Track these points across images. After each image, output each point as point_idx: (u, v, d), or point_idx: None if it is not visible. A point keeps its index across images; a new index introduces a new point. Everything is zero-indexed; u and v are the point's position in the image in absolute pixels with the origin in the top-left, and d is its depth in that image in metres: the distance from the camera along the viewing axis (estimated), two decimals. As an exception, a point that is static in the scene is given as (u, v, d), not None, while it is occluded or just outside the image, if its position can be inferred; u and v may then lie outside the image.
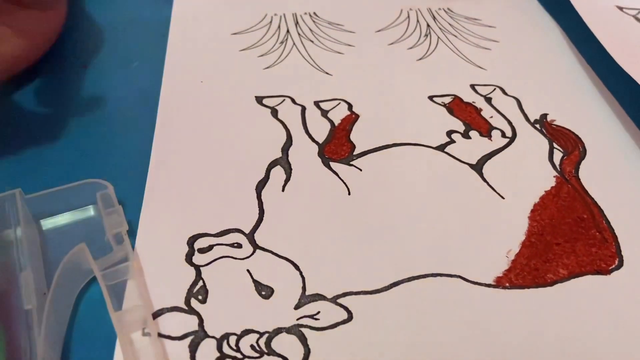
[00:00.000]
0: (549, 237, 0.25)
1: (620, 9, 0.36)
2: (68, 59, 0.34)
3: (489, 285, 0.23)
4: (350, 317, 0.22)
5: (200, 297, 0.22)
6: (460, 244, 0.24)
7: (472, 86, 0.32)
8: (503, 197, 0.26)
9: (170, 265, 0.23)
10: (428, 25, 0.38)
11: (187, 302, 0.21)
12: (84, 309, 0.22)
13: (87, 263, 0.22)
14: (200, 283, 0.22)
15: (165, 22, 0.37)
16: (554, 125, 0.30)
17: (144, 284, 0.22)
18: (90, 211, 0.25)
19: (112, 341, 0.20)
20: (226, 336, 0.21)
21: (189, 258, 0.23)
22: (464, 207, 0.26)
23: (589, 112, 0.31)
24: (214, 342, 0.20)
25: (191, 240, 0.24)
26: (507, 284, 0.23)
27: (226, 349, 0.20)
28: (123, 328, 0.20)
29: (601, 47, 0.32)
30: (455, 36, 0.37)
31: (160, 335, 0.20)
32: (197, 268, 0.23)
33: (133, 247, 0.23)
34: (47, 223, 0.24)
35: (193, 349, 0.20)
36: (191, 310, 0.21)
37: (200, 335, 0.21)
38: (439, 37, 0.36)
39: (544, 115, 0.31)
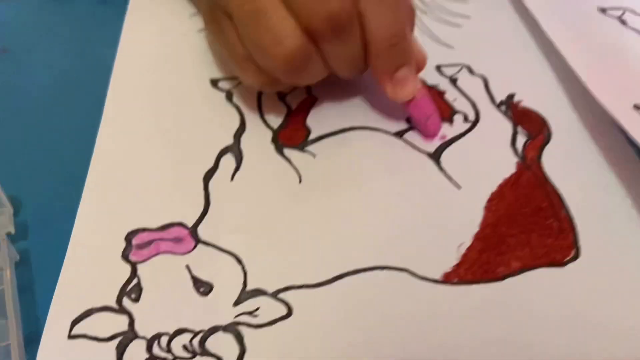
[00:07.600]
0: (504, 228, 0.24)
1: (603, 10, 0.33)
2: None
3: (436, 281, 0.22)
4: (289, 312, 0.21)
5: (133, 296, 0.21)
6: (411, 236, 0.23)
7: (438, 67, 0.31)
8: (459, 187, 0.25)
9: (105, 263, 0.22)
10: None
11: (119, 301, 0.21)
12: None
13: None
14: (135, 281, 0.21)
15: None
16: (520, 106, 0.29)
17: (15, 298, 0.20)
18: None
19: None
20: (157, 336, 0.20)
21: (125, 255, 0.22)
22: (417, 198, 0.25)
23: (556, 93, 0.30)
24: (143, 343, 0.20)
25: (129, 236, 0.23)
26: (456, 279, 0.22)
27: (156, 350, 0.20)
28: None
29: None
30: (425, 13, 0.35)
31: (86, 337, 0.20)
32: (133, 265, 0.22)
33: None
34: None
35: (121, 350, 0.19)
36: (122, 310, 0.20)
37: (129, 336, 0.20)
38: (407, 14, 0.35)
39: (511, 96, 0.29)
